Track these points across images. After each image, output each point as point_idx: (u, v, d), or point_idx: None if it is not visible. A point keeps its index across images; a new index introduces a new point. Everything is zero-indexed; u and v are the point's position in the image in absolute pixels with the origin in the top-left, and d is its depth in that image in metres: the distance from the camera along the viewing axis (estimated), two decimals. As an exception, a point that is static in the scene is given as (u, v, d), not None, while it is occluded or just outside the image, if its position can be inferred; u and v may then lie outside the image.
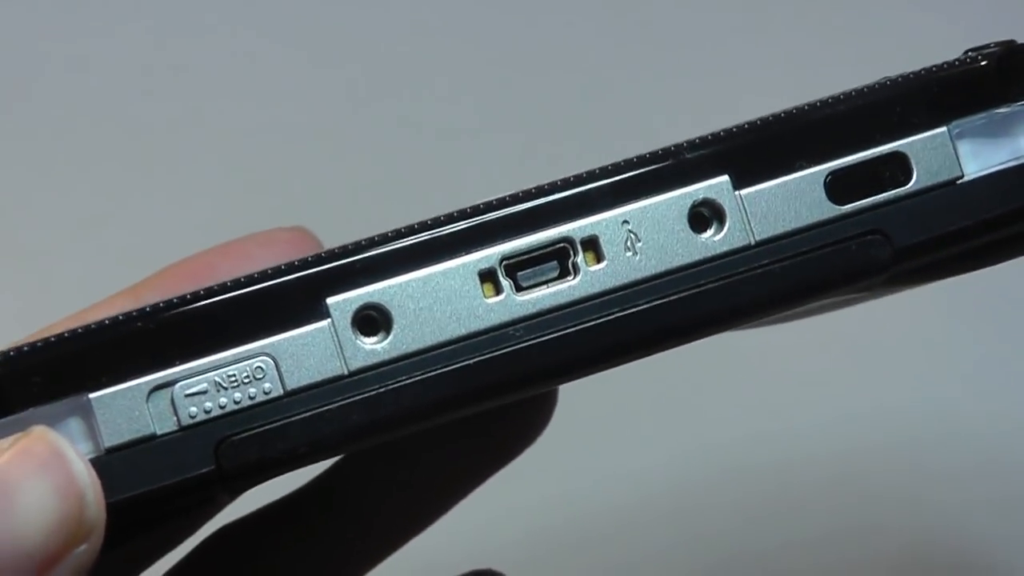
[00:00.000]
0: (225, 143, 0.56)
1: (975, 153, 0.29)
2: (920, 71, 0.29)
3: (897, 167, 0.28)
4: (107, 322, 0.26)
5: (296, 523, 0.38)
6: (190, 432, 0.26)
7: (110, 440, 0.26)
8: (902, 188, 0.28)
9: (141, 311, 0.26)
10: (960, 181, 0.29)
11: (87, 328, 0.26)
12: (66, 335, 0.26)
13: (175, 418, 0.26)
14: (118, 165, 0.55)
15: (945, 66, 0.29)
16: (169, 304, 0.26)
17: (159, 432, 0.26)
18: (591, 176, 0.28)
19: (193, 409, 0.26)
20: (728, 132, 0.28)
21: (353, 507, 0.38)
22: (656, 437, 0.55)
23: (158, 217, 0.53)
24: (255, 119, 0.56)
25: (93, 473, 0.25)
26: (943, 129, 0.29)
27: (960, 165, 0.29)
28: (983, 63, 0.29)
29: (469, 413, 0.27)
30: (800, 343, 0.55)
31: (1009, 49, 0.29)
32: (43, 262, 0.52)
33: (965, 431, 0.57)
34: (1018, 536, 0.56)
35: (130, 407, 0.26)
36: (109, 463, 0.26)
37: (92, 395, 0.26)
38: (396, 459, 0.38)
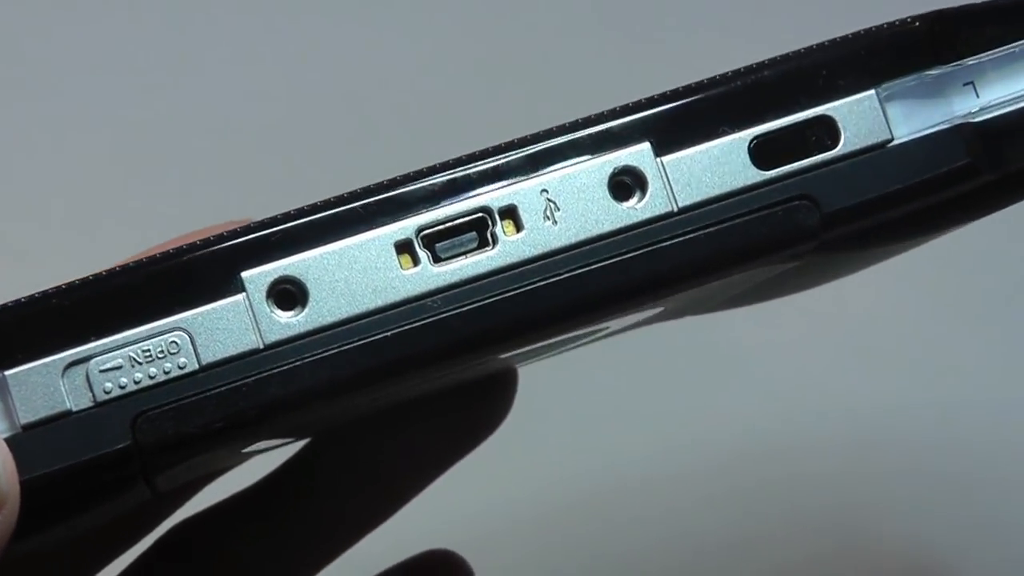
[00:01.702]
0: (225, 143, 0.56)
1: (905, 116, 0.28)
2: (847, 35, 0.28)
3: (824, 131, 0.28)
4: (23, 299, 0.26)
5: (259, 513, 0.38)
6: (106, 408, 0.26)
7: (26, 417, 0.26)
8: (829, 152, 0.28)
9: (56, 288, 0.26)
10: (890, 144, 0.28)
11: (1, 306, 0.26)
12: None
13: (91, 394, 0.26)
14: (117, 165, 0.55)
15: (874, 29, 0.29)
16: (84, 281, 0.27)
17: (75, 408, 0.26)
18: (509, 146, 0.27)
19: (108, 385, 0.26)
20: (649, 99, 0.28)
21: (318, 494, 0.38)
22: (646, 431, 0.55)
23: (158, 217, 0.53)
24: (255, 119, 0.56)
25: (3, 444, 0.25)
26: (871, 92, 0.28)
27: (889, 128, 0.28)
28: (915, 24, 0.29)
29: (389, 386, 0.27)
30: (796, 339, 0.54)
31: (940, 11, 0.29)
32: (43, 262, 0.52)
33: (964, 430, 0.56)
34: (1018, 538, 0.55)
35: (45, 383, 0.26)
36: (25, 440, 0.26)
37: (7, 372, 0.26)
38: (361, 446, 0.38)
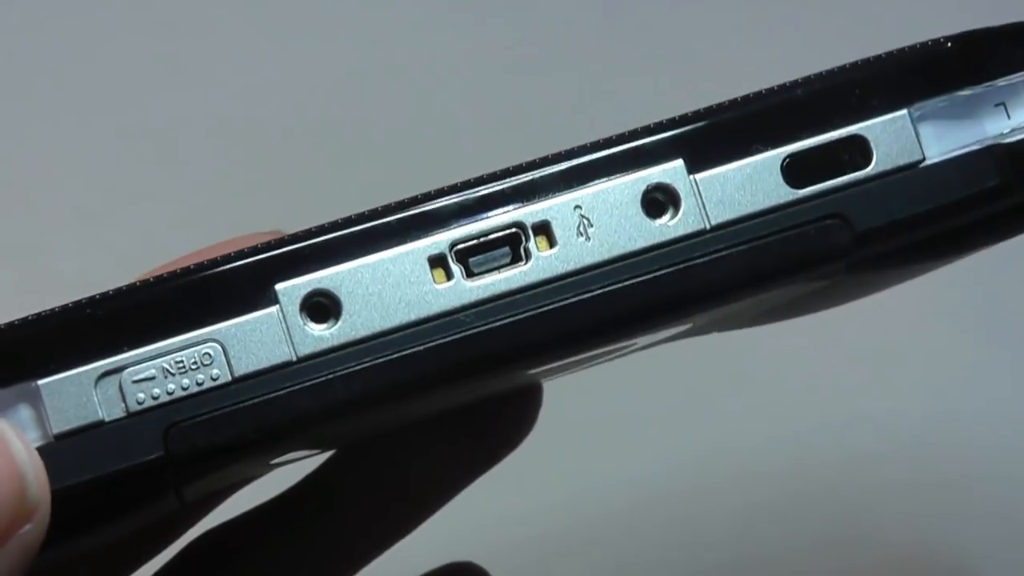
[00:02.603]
0: (224, 143, 0.56)
1: (937, 136, 0.28)
2: (880, 54, 0.29)
3: (856, 150, 0.28)
4: (56, 309, 0.26)
5: (283, 525, 0.38)
6: (138, 418, 0.26)
7: (58, 426, 0.26)
8: (862, 171, 0.28)
9: (90, 298, 0.27)
10: (922, 164, 0.28)
11: (36, 316, 0.26)
12: (16, 322, 0.26)
13: (123, 404, 0.26)
14: (117, 165, 0.56)
15: (907, 49, 0.29)
16: (118, 291, 0.27)
17: (107, 418, 0.26)
18: (543, 161, 0.27)
19: (141, 395, 0.26)
20: (683, 116, 0.28)
21: (342, 508, 0.38)
22: (656, 441, 0.55)
23: (157, 217, 0.53)
24: (255, 119, 0.56)
25: (35, 453, 0.25)
26: (904, 112, 0.28)
27: (921, 148, 0.28)
28: (947, 45, 0.29)
29: (421, 400, 0.27)
30: (803, 348, 0.54)
31: (972, 32, 0.29)
32: (43, 262, 0.52)
33: (969, 438, 0.56)
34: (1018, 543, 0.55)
35: (78, 393, 0.26)
36: (57, 449, 0.26)
37: (40, 381, 0.26)
38: (385, 459, 0.38)
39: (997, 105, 0.29)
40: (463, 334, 0.27)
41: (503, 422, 0.38)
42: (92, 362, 0.26)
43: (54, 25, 0.57)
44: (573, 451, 0.54)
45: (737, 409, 0.55)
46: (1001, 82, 0.29)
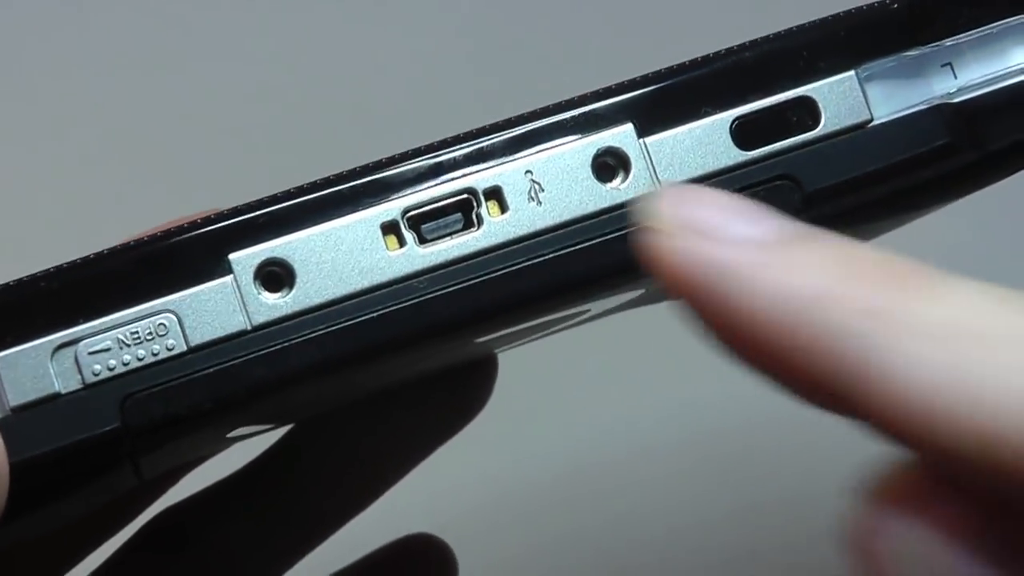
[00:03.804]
0: (224, 143, 0.56)
1: (885, 96, 0.29)
2: (827, 16, 0.29)
3: (805, 112, 0.28)
4: (11, 283, 0.26)
5: (242, 500, 0.38)
6: (94, 390, 0.26)
7: (15, 399, 0.26)
8: (810, 133, 0.28)
9: (44, 271, 0.27)
10: (870, 124, 0.28)
11: None
12: None
13: (79, 376, 0.26)
14: (117, 164, 0.55)
15: (853, 11, 0.29)
16: (72, 264, 0.27)
17: (63, 391, 0.26)
18: (494, 127, 0.28)
19: (97, 367, 0.26)
20: (632, 81, 0.28)
21: (302, 481, 0.38)
22: (612, 406, 0.55)
23: (157, 218, 0.53)
24: (254, 120, 0.56)
25: None
26: (851, 73, 0.28)
27: (869, 108, 0.28)
28: (893, 5, 0.29)
29: (376, 367, 0.27)
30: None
31: None
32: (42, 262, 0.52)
33: None
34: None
35: (34, 366, 0.26)
36: (14, 422, 0.26)
37: None
38: (344, 431, 0.38)
39: (944, 65, 0.29)
40: (416, 300, 0.27)
41: (460, 393, 0.38)
42: (48, 335, 0.26)
43: (54, 25, 0.56)
44: (531, 420, 0.54)
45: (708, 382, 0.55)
46: (948, 42, 0.29)
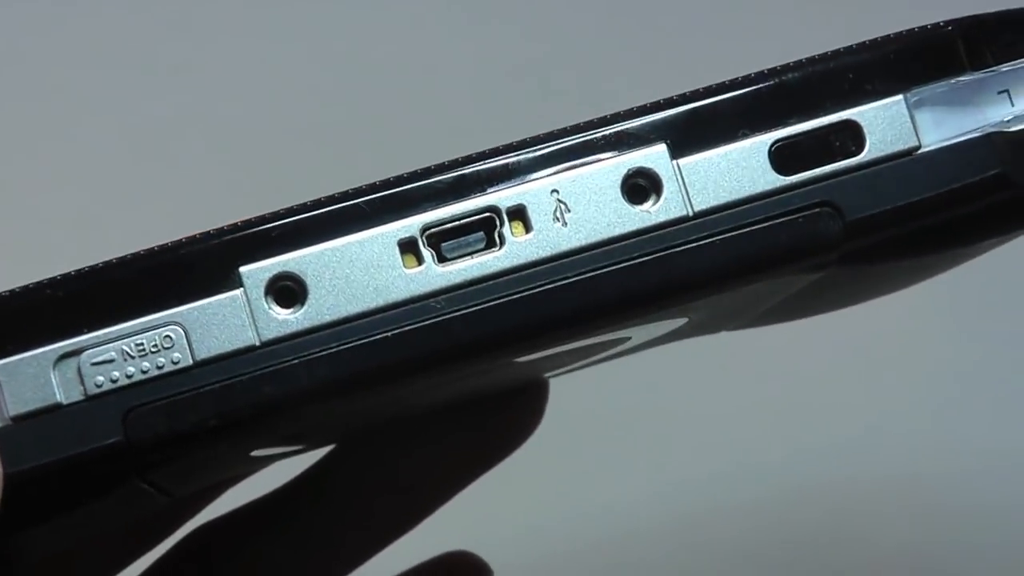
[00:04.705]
0: (224, 144, 0.56)
1: (934, 123, 0.27)
2: (876, 38, 0.27)
3: (848, 136, 0.27)
4: (16, 290, 0.26)
5: (282, 519, 0.37)
6: (96, 402, 0.26)
7: (15, 409, 0.26)
8: (854, 158, 0.27)
9: (51, 279, 0.26)
10: (918, 152, 0.27)
11: None
12: None
13: (82, 387, 0.26)
14: (118, 164, 0.55)
15: (904, 33, 0.28)
16: (79, 272, 0.26)
17: (65, 401, 0.26)
18: (520, 144, 0.27)
19: (100, 378, 0.25)
20: (667, 99, 0.27)
21: (342, 503, 0.37)
22: (659, 446, 0.54)
23: (157, 217, 0.53)
24: (255, 120, 0.56)
25: None
26: (899, 97, 0.27)
27: (917, 135, 0.27)
28: (948, 29, 0.27)
29: (389, 389, 0.26)
30: (806, 348, 0.53)
31: (976, 16, 0.28)
32: (43, 262, 0.52)
33: (967, 446, 0.55)
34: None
35: (36, 375, 0.26)
36: (14, 432, 0.25)
37: None
38: (383, 455, 0.37)
39: (1000, 92, 0.27)
40: (433, 320, 0.26)
41: (504, 419, 0.37)
42: (51, 343, 0.26)
43: (54, 25, 0.57)
44: (580, 453, 0.53)
45: (738, 410, 0.54)
46: (1005, 68, 0.27)
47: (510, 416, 0.37)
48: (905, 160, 0.27)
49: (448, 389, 0.30)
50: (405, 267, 0.26)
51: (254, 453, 0.31)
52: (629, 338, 0.31)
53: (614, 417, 0.54)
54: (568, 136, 0.27)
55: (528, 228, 0.26)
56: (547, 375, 0.36)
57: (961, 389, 0.56)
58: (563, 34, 0.57)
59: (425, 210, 0.26)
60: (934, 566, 0.55)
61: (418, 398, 0.30)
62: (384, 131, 0.55)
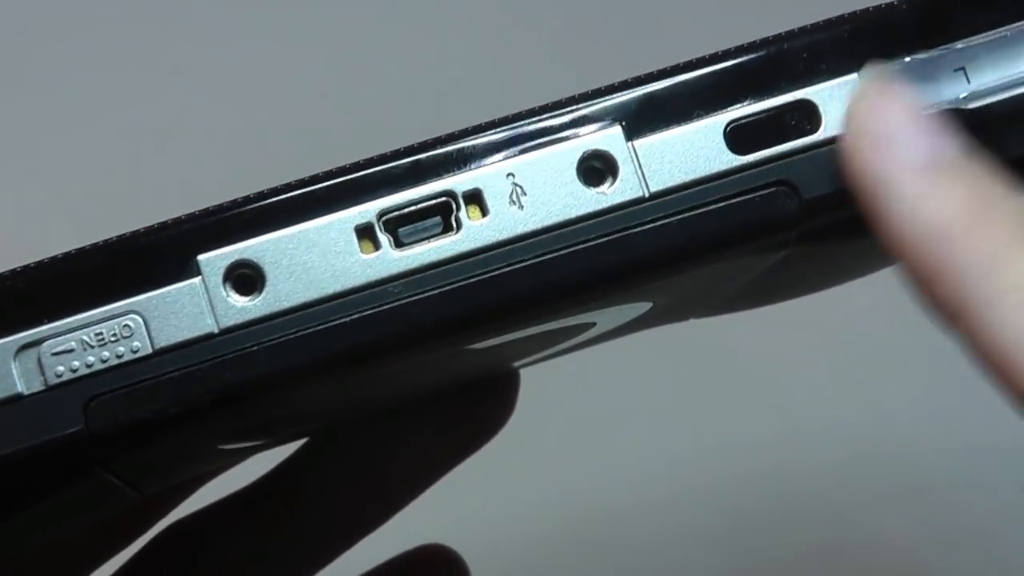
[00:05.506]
0: (224, 144, 0.56)
1: None
2: (830, 18, 0.28)
3: (804, 115, 0.27)
4: None
5: (256, 513, 0.37)
6: (57, 391, 0.26)
7: None
8: (809, 137, 0.27)
9: (9, 271, 0.26)
10: None
11: None
12: None
13: (42, 377, 0.26)
14: (117, 164, 0.55)
15: (859, 11, 0.28)
16: (38, 263, 0.26)
17: (26, 392, 0.26)
18: (475, 129, 0.27)
19: (60, 368, 0.26)
20: (621, 82, 0.27)
21: (314, 498, 0.37)
22: (642, 437, 0.54)
23: (158, 217, 0.53)
24: (254, 120, 0.56)
25: None
26: (854, 75, 0.27)
27: None
28: (902, 7, 0.28)
29: (348, 374, 0.26)
30: (801, 349, 0.53)
31: None
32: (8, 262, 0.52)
33: (965, 438, 0.55)
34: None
35: None
36: None
37: None
38: (357, 447, 0.37)
39: (956, 69, 0.28)
40: (391, 305, 0.26)
41: (476, 411, 0.37)
42: (10, 335, 0.26)
43: (54, 25, 0.57)
44: (555, 444, 0.53)
45: (731, 407, 0.54)
46: (960, 45, 0.27)
47: (482, 408, 0.37)
48: None
49: (414, 377, 0.30)
50: (362, 252, 0.26)
51: (223, 447, 0.31)
52: (594, 324, 0.31)
53: (587, 408, 0.54)
54: (523, 120, 0.27)
55: (484, 212, 0.26)
56: (517, 365, 0.36)
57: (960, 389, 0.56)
58: (561, 33, 0.57)
59: (381, 195, 0.26)
60: (934, 566, 0.55)
61: (385, 388, 0.31)
62: (384, 131, 0.55)
